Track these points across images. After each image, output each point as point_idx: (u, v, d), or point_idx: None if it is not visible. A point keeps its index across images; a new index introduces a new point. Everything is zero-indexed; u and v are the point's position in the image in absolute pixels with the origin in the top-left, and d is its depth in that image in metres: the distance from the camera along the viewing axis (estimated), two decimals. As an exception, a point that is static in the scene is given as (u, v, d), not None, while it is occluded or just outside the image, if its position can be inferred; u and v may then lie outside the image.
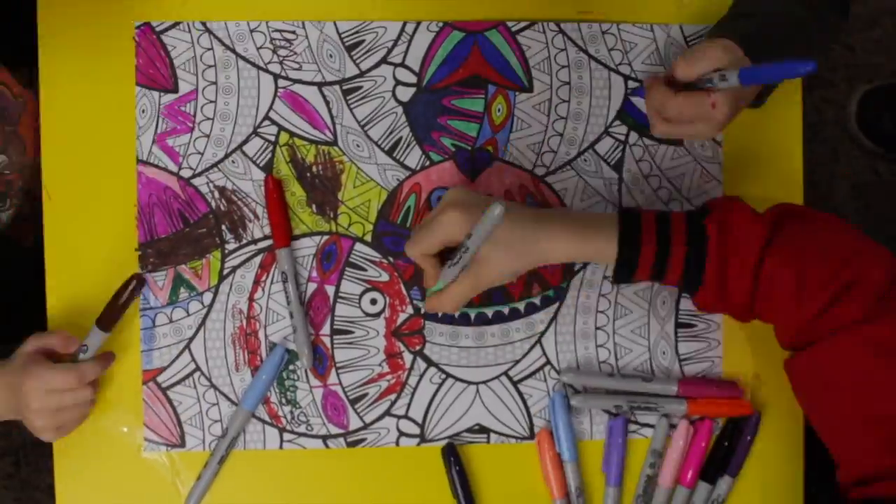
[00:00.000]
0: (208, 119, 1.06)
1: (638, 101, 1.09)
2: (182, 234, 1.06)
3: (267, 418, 1.06)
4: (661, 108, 0.97)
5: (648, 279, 0.97)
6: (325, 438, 1.07)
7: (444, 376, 1.07)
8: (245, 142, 1.07)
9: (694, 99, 0.94)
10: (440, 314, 1.04)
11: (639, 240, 0.94)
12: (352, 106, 1.07)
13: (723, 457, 1.08)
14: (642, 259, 0.95)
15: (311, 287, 1.07)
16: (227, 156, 1.06)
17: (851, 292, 0.88)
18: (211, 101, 1.06)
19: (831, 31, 1.07)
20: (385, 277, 1.07)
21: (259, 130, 1.07)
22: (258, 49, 1.06)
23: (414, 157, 1.08)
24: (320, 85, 1.07)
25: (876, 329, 0.87)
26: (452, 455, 1.06)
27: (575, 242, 0.95)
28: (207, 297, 1.06)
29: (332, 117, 1.07)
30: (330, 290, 1.07)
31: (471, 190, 0.98)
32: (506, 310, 1.08)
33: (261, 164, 1.06)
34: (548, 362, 1.08)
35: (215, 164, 1.06)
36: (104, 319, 0.99)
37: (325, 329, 1.07)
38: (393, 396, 1.07)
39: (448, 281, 0.95)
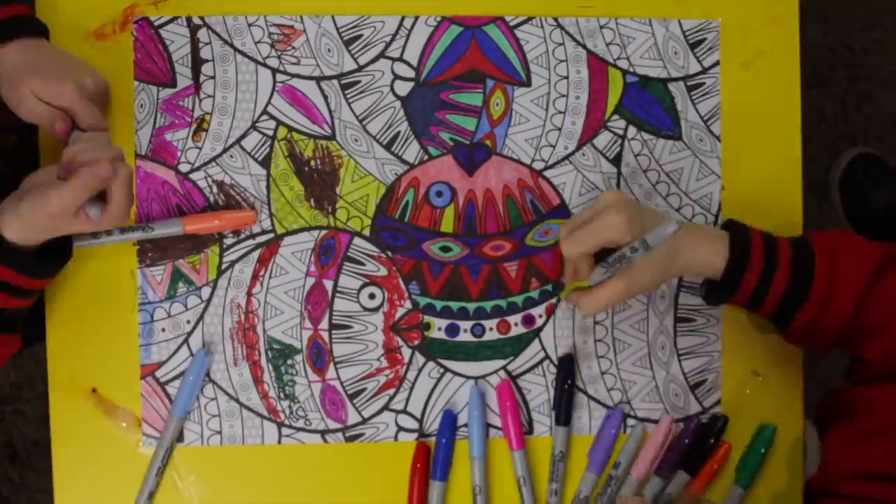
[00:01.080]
0: (206, 113, 1.06)
1: (636, 96, 1.09)
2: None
3: (265, 413, 1.06)
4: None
5: (748, 298, 0.97)
6: (323, 433, 1.07)
7: (442, 371, 1.07)
8: (243, 136, 1.07)
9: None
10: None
11: (748, 254, 0.95)
12: (350, 100, 1.07)
13: (685, 454, 1.08)
14: (748, 275, 0.95)
15: (310, 282, 1.07)
16: (225, 150, 1.06)
17: None
18: (209, 96, 1.06)
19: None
20: (383, 272, 1.07)
21: (257, 125, 1.07)
22: (256, 43, 1.07)
23: (412, 152, 1.08)
24: (318, 79, 1.07)
25: None
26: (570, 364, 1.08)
27: (709, 255, 0.96)
28: (206, 292, 1.06)
29: (330, 112, 1.07)
30: (328, 284, 1.07)
31: (623, 193, 0.96)
32: (504, 304, 1.08)
33: (259, 159, 1.06)
34: (546, 357, 1.08)
35: (213, 159, 1.06)
36: None
37: (324, 324, 1.07)
38: (391, 391, 1.07)
39: (595, 282, 0.95)
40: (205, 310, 1.06)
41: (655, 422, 1.08)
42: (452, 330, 1.08)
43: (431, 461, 1.06)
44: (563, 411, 1.07)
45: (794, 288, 0.94)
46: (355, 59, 1.07)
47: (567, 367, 1.07)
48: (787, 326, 0.97)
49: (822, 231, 0.99)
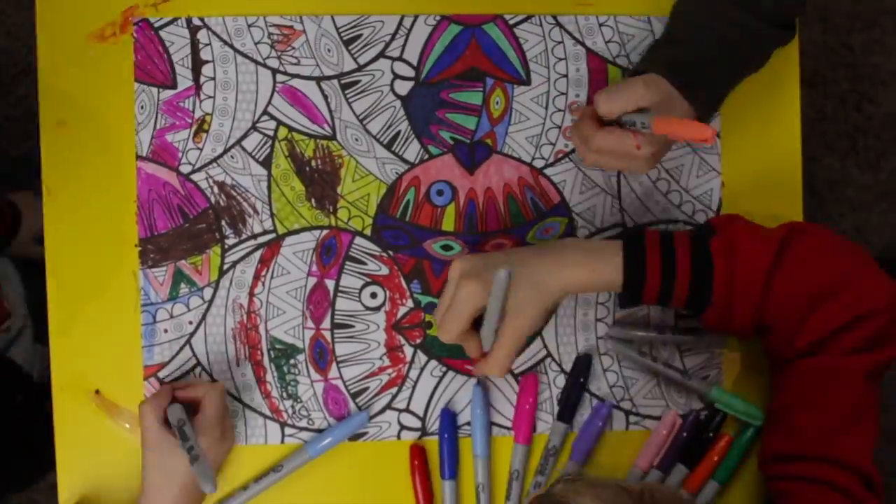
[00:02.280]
0: (207, 114, 1.06)
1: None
2: (182, 229, 1.06)
3: (268, 413, 1.06)
4: (585, 140, 0.96)
5: (655, 303, 0.97)
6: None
7: (444, 369, 1.07)
8: (244, 137, 1.07)
9: (617, 136, 0.94)
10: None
11: (644, 267, 0.95)
12: (350, 100, 1.07)
13: (682, 448, 1.08)
14: (648, 287, 0.95)
15: (312, 281, 1.07)
16: (225, 151, 1.07)
17: (856, 326, 0.92)
18: (209, 97, 1.07)
19: (773, 51, 1.05)
20: (385, 271, 1.07)
21: (258, 125, 1.07)
22: (256, 44, 1.07)
23: (413, 151, 1.08)
24: (318, 79, 1.07)
25: (872, 357, 0.92)
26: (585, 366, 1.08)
27: (585, 271, 0.96)
28: (208, 293, 1.06)
29: (330, 112, 1.07)
30: (330, 284, 1.07)
31: (473, 255, 0.98)
32: (506, 302, 1.08)
33: (260, 159, 1.07)
34: (548, 355, 1.08)
35: (214, 160, 1.07)
36: None
37: (326, 323, 1.07)
38: (394, 390, 1.07)
39: (489, 342, 0.95)
40: (207, 310, 1.06)
41: (657, 418, 1.08)
42: (454, 328, 1.08)
43: (438, 461, 1.06)
44: (569, 409, 1.07)
45: (695, 295, 0.95)
46: (355, 59, 1.08)
47: (583, 366, 1.07)
48: (700, 322, 0.99)
49: (724, 219, 0.98)
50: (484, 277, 0.93)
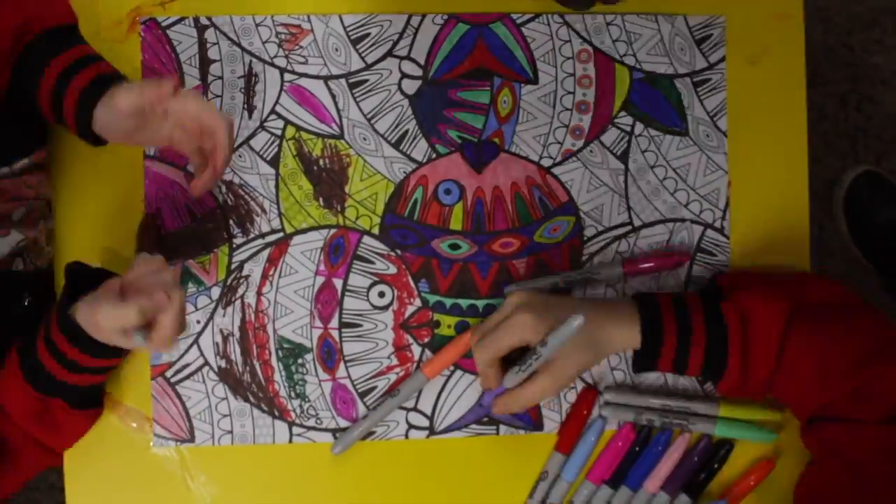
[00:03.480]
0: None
1: (643, 93, 1.09)
2: (189, 228, 1.06)
3: (276, 412, 1.06)
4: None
5: (670, 368, 0.98)
6: (334, 432, 1.07)
7: (452, 368, 1.07)
8: (252, 136, 1.07)
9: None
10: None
11: (660, 334, 0.96)
12: (358, 99, 1.07)
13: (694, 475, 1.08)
14: (665, 350, 0.97)
15: (319, 280, 1.07)
16: (233, 150, 1.06)
17: (873, 394, 0.90)
18: (217, 96, 1.06)
19: None
20: (393, 270, 1.07)
21: (266, 124, 1.07)
22: (264, 43, 1.07)
23: (420, 150, 1.08)
24: (326, 78, 1.07)
25: (888, 432, 0.90)
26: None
27: (625, 338, 0.98)
28: (215, 292, 1.06)
29: (338, 111, 1.07)
30: (338, 283, 1.07)
31: (533, 292, 1.00)
32: (514, 301, 1.08)
33: (268, 158, 1.07)
34: (556, 353, 1.08)
35: (222, 159, 1.06)
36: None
37: (334, 322, 1.07)
38: (402, 389, 1.07)
39: (512, 384, 0.96)
40: (214, 310, 1.06)
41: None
42: (462, 327, 1.08)
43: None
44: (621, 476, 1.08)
45: (711, 364, 0.96)
46: (363, 58, 1.08)
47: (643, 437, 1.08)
48: (716, 389, 1.00)
49: (734, 283, 1.00)
50: (540, 313, 0.94)
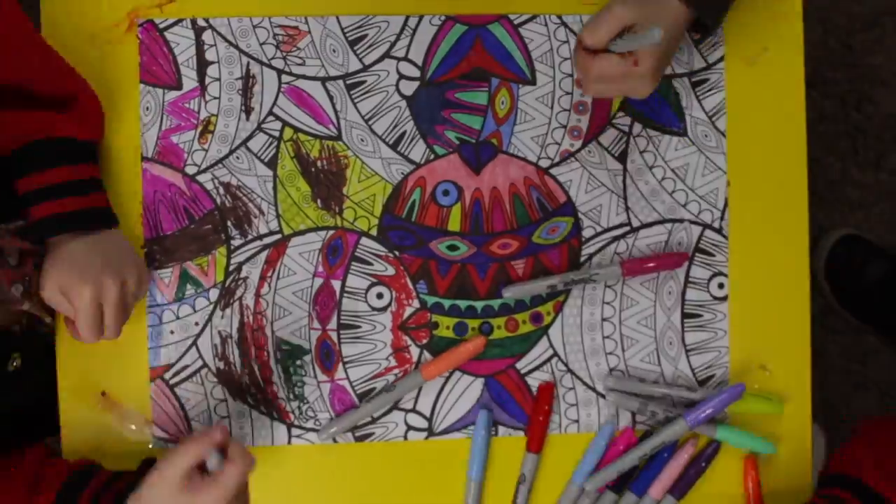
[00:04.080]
0: (212, 115, 1.06)
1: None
2: (187, 230, 1.06)
3: (275, 414, 1.06)
4: (585, 70, 0.95)
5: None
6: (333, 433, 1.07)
7: (451, 369, 1.07)
8: (249, 137, 1.07)
9: (613, 61, 0.93)
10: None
11: None
12: (356, 100, 1.07)
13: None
14: None
15: (318, 282, 1.07)
16: (231, 152, 1.06)
17: None
18: (215, 98, 1.06)
19: None
20: (391, 271, 1.07)
21: (263, 126, 1.07)
22: (261, 45, 1.07)
23: (418, 151, 1.08)
24: (324, 80, 1.07)
25: None
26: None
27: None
28: (214, 294, 1.06)
29: (335, 112, 1.07)
30: (336, 284, 1.07)
31: None
32: (512, 302, 1.08)
33: (265, 160, 1.07)
34: (555, 354, 1.08)
35: (220, 161, 1.06)
36: None
37: (332, 324, 1.07)
38: (400, 390, 1.07)
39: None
40: (213, 311, 1.06)
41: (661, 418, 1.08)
42: (460, 328, 1.08)
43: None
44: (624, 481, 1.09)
45: None
46: (360, 60, 1.07)
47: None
48: None
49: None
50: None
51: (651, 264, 1.07)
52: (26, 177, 0.96)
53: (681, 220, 1.09)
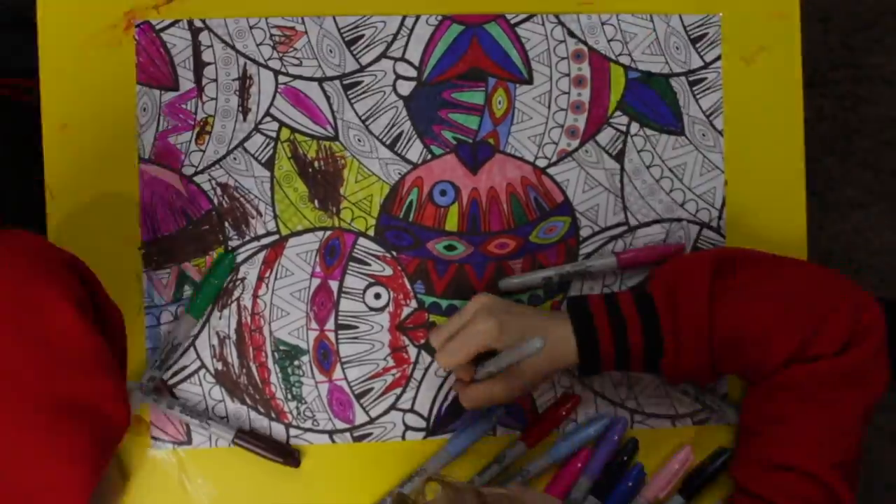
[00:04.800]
0: (209, 116, 1.06)
1: (638, 93, 1.09)
2: (185, 231, 1.06)
3: (273, 414, 1.06)
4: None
5: (614, 366, 0.97)
6: (331, 433, 1.07)
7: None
8: (246, 138, 1.07)
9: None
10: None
11: (594, 330, 0.96)
12: (352, 101, 1.07)
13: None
14: (603, 347, 0.96)
15: (315, 282, 1.07)
16: (228, 153, 1.06)
17: (818, 337, 0.92)
18: (212, 99, 1.06)
19: None
20: (388, 272, 1.07)
21: (260, 127, 1.07)
22: (258, 45, 1.07)
23: (415, 151, 1.08)
24: (321, 80, 1.07)
25: (843, 360, 0.92)
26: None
27: (564, 346, 0.97)
28: (211, 294, 1.06)
29: (332, 112, 1.07)
30: (334, 285, 1.07)
31: (497, 297, 0.98)
32: (510, 302, 1.08)
33: (262, 161, 1.07)
34: (553, 354, 1.08)
35: (217, 162, 1.06)
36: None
37: (330, 324, 1.07)
38: (398, 390, 1.07)
39: (483, 374, 0.95)
40: (210, 312, 1.06)
41: (662, 416, 1.08)
42: (458, 328, 1.07)
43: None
44: (607, 488, 1.07)
45: (649, 344, 0.95)
46: (357, 60, 1.08)
47: (631, 449, 1.08)
48: (662, 377, 1.00)
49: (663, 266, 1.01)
50: (503, 320, 0.93)
51: (647, 255, 1.06)
52: None
53: (678, 220, 1.09)
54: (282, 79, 1.07)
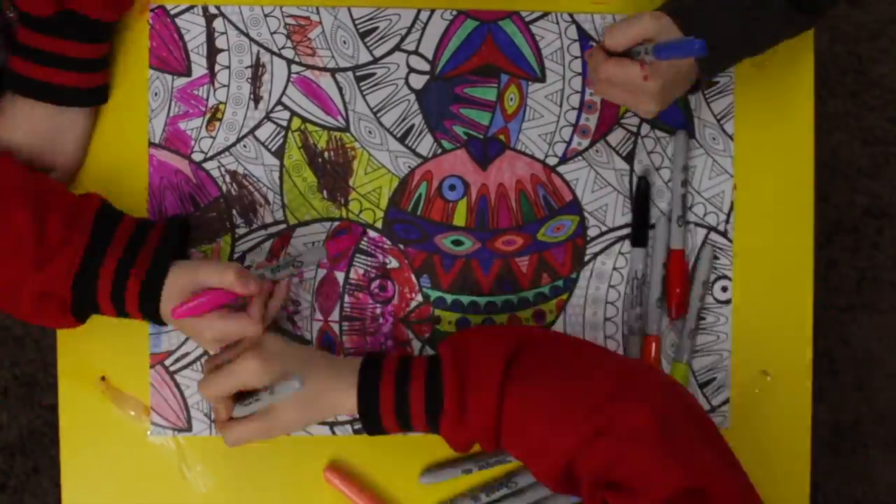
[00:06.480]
0: (221, 103, 1.06)
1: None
2: (193, 217, 1.06)
3: (274, 404, 1.06)
4: (595, 69, 0.97)
5: (396, 427, 0.96)
6: (332, 425, 1.07)
7: (452, 365, 1.07)
8: (257, 126, 1.06)
9: (625, 67, 0.93)
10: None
11: (377, 389, 0.94)
12: (364, 92, 1.07)
13: None
14: (383, 403, 0.94)
15: (321, 273, 1.07)
16: (238, 140, 1.06)
17: (602, 439, 0.84)
18: (224, 86, 1.06)
19: (792, 20, 1.01)
20: (395, 264, 1.07)
21: (271, 115, 1.07)
22: (272, 34, 1.07)
23: (426, 145, 1.08)
24: (333, 71, 1.07)
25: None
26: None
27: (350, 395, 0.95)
28: (217, 282, 1.06)
29: (344, 103, 1.07)
30: (339, 276, 1.07)
31: (275, 337, 0.98)
32: (515, 299, 1.08)
33: (272, 149, 1.06)
34: (556, 352, 1.08)
35: (227, 149, 1.06)
36: None
37: (335, 315, 1.07)
38: (401, 384, 1.07)
39: (242, 413, 0.95)
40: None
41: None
42: (463, 324, 1.07)
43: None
44: (642, 231, 1.08)
45: (430, 402, 0.93)
46: (371, 52, 1.07)
47: (644, 188, 1.08)
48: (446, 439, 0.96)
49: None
50: (271, 364, 0.93)
51: None
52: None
53: (686, 223, 1.09)
54: (294, 68, 1.07)
